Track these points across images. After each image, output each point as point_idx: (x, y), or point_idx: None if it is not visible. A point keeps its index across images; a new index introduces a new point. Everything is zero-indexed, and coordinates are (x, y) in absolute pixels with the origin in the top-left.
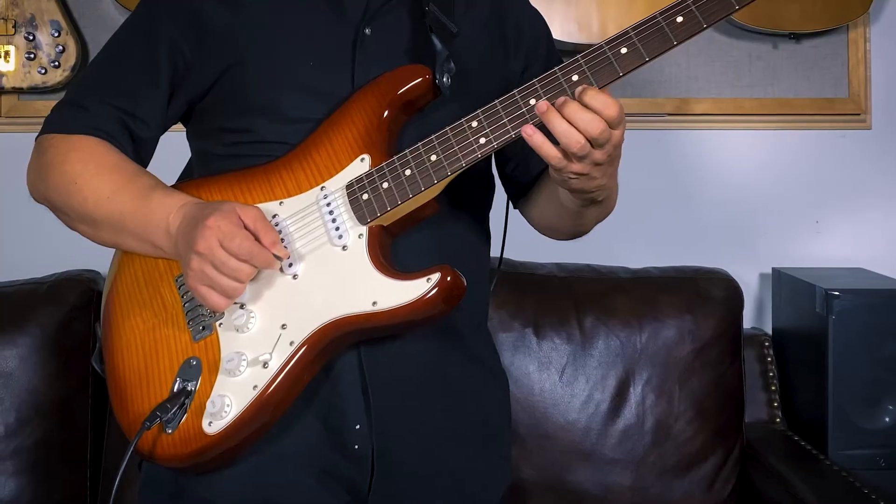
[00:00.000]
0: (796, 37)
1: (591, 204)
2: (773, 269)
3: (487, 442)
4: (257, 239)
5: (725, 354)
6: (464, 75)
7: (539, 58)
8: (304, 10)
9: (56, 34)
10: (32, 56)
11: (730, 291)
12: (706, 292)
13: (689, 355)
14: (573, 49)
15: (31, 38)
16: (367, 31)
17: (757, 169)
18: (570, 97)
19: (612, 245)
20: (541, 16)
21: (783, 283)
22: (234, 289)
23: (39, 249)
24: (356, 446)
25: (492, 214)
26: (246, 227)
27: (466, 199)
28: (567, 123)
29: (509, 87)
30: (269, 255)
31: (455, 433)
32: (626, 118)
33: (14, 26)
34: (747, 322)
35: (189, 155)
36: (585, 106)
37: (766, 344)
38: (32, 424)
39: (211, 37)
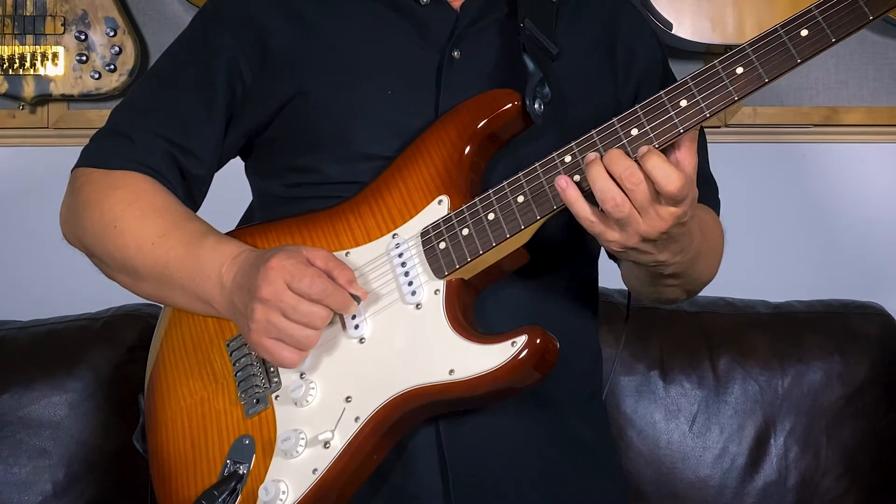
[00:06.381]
0: None
1: (661, 277)
2: None
3: None
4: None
5: (881, 401)
6: (562, 103)
7: (653, 88)
8: (383, 31)
9: (112, 33)
10: (84, 58)
11: (885, 328)
12: (858, 329)
13: (838, 402)
14: (705, 50)
15: (82, 37)
16: (456, 54)
17: None
18: (676, 123)
19: (750, 275)
20: (657, 37)
21: None
22: (307, 338)
23: (92, 280)
24: None
25: None
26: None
27: (565, 242)
28: (607, 178)
29: None
30: (345, 294)
31: None
32: (767, 129)
33: (63, 24)
34: None
35: (249, 197)
36: (645, 174)
37: None
38: (84, 482)
39: (275, 59)
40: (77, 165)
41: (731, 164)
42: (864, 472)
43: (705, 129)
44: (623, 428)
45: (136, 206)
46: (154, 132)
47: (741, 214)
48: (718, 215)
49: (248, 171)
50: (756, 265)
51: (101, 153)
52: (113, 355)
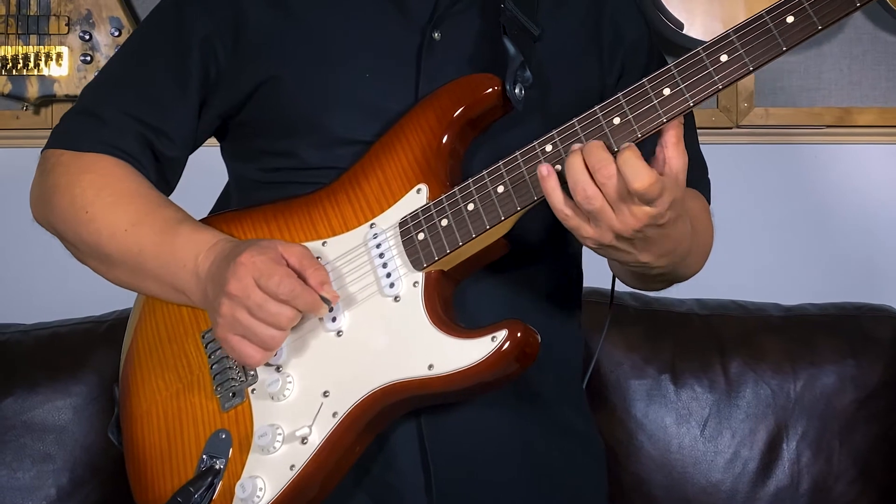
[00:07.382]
0: None
1: (647, 277)
2: None
3: None
4: (302, 279)
5: (894, 405)
6: (545, 87)
7: (637, 67)
8: (361, 11)
9: (116, 33)
10: (89, 59)
11: None
12: (872, 333)
13: (851, 406)
14: None
15: (87, 37)
16: (436, 35)
17: None
18: (660, 113)
19: (761, 277)
20: (643, 16)
21: None
22: (272, 338)
23: (96, 283)
24: None
25: None
26: (289, 266)
27: (546, 232)
28: (582, 170)
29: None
30: (314, 296)
31: None
32: (779, 130)
33: (67, 24)
34: None
35: (225, 177)
36: (618, 169)
37: None
38: (89, 487)
39: (248, 40)
40: (47, 147)
41: (742, 165)
42: (877, 476)
43: (715, 128)
44: (634, 432)
45: (107, 192)
46: (126, 113)
47: (752, 216)
48: (709, 198)
49: (224, 154)
50: (768, 267)
51: (71, 135)
52: (117, 359)
